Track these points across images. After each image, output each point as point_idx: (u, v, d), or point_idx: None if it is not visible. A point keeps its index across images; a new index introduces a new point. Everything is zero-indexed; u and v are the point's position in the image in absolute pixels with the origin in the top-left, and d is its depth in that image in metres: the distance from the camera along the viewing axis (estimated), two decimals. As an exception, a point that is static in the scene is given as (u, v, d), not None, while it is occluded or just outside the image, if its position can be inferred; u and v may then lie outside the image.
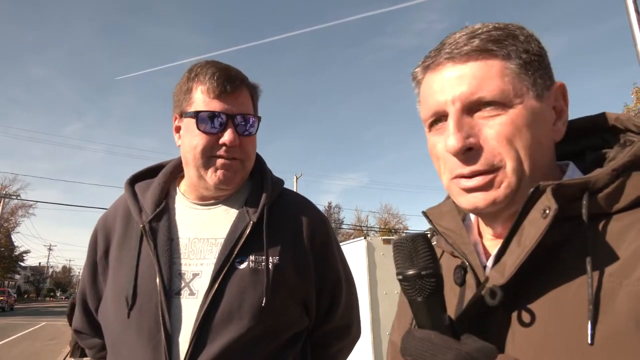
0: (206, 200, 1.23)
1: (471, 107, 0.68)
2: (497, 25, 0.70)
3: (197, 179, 1.19)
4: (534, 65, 0.68)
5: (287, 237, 1.19)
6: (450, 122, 0.68)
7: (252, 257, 1.12)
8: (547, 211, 0.59)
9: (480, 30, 0.69)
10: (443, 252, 0.87)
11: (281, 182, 1.31)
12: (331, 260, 1.28)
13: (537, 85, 0.68)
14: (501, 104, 0.66)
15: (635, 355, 0.52)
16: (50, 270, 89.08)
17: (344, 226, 46.74)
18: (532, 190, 0.63)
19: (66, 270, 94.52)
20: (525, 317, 0.62)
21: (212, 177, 1.15)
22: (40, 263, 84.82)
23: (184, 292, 1.09)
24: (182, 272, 1.12)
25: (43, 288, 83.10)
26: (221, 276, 1.08)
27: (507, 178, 0.66)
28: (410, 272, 0.61)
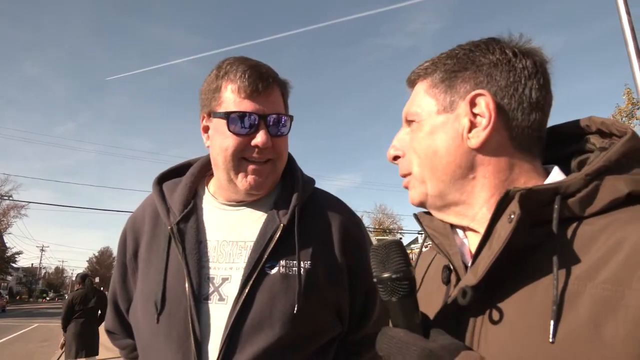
0: (234, 201, 1.19)
1: (407, 122, 0.84)
2: (440, 55, 0.82)
3: (226, 182, 1.14)
4: (450, 81, 0.78)
5: (319, 241, 1.14)
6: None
7: (282, 262, 1.08)
8: (512, 216, 0.62)
9: (427, 60, 0.83)
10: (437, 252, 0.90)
11: (312, 181, 1.26)
12: (365, 265, 1.18)
13: (446, 98, 0.77)
14: (411, 121, 0.82)
15: (589, 353, 0.54)
16: (43, 271, 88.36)
17: (338, 226, 46.63)
18: (502, 195, 0.66)
19: (59, 271, 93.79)
20: (495, 315, 0.66)
21: (242, 182, 1.11)
22: (32, 264, 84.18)
23: (213, 298, 1.06)
24: (211, 276, 1.09)
25: (35, 289, 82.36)
26: (251, 281, 1.04)
27: (415, 180, 0.81)
28: (384, 275, 0.67)
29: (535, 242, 0.65)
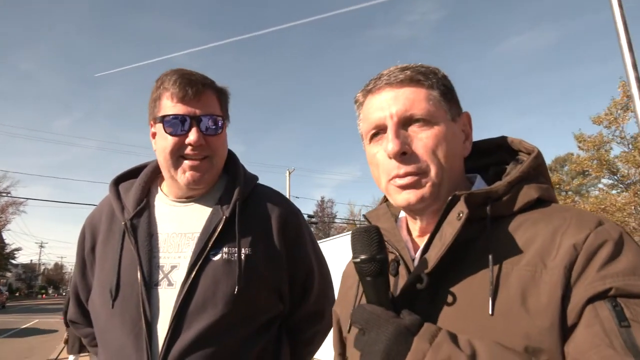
0: (183, 198, 1.32)
1: (405, 122, 0.84)
2: (422, 64, 0.89)
3: (170, 180, 1.28)
4: (448, 96, 0.88)
5: (259, 230, 1.28)
6: (390, 132, 0.84)
7: (225, 249, 1.21)
8: (461, 214, 0.75)
9: (410, 65, 0.89)
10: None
11: (255, 177, 1.41)
12: (303, 251, 1.36)
13: (451, 111, 0.88)
14: (427, 121, 0.84)
15: (520, 321, 0.68)
16: (42, 267, 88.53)
17: (337, 220, 46.95)
18: (450, 198, 0.78)
19: (58, 267, 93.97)
20: (446, 297, 0.77)
21: (182, 177, 1.23)
22: (32, 260, 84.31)
23: (163, 283, 1.18)
24: (161, 264, 1.21)
25: (35, 285, 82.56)
26: (196, 267, 1.17)
27: (431, 179, 0.83)
28: (364, 256, 0.74)
29: (472, 235, 0.78)
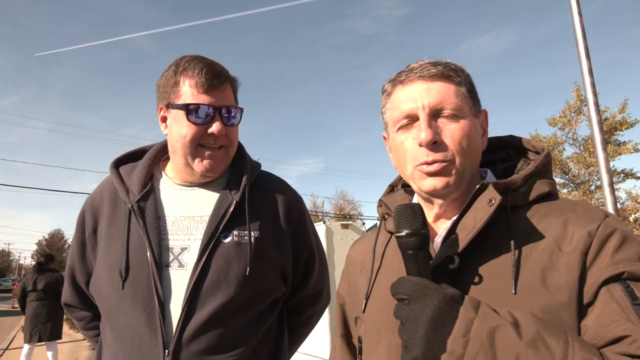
0: (190, 182, 1.33)
1: (435, 114, 0.91)
2: (449, 62, 0.97)
3: (184, 166, 1.29)
4: (472, 93, 0.96)
5: (266, 214, 1.32)
6: (423, 122, 0.91)
7: (235, 232, 1.24)
8: (493, 201, 0.84)
9: (441, 61, 0.96)
10: (392, 233, 1.04)
11: (259, 165, 1.44)
12: (305, 235, 1.42)
13: (474, 107, 0.96)
14: (455, 115, 0.91)
15: (540, 298, 0.77)
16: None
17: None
18: (478, 186, 0.87)
19: (5, 254, 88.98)
20: (470, 277, 0.84)
21: (199, 165, 1.25)
22: (-26, 246, 79.21)
23: (173, 265, 1.20)
24: (171, 246, 1.23)
25: (-22, 273, 77.79)
26: (209, 249, 1.20)
27: (456, 168, 0.90)
28: (408, 230, 0.79)
29: (492, 222, 0.85)
